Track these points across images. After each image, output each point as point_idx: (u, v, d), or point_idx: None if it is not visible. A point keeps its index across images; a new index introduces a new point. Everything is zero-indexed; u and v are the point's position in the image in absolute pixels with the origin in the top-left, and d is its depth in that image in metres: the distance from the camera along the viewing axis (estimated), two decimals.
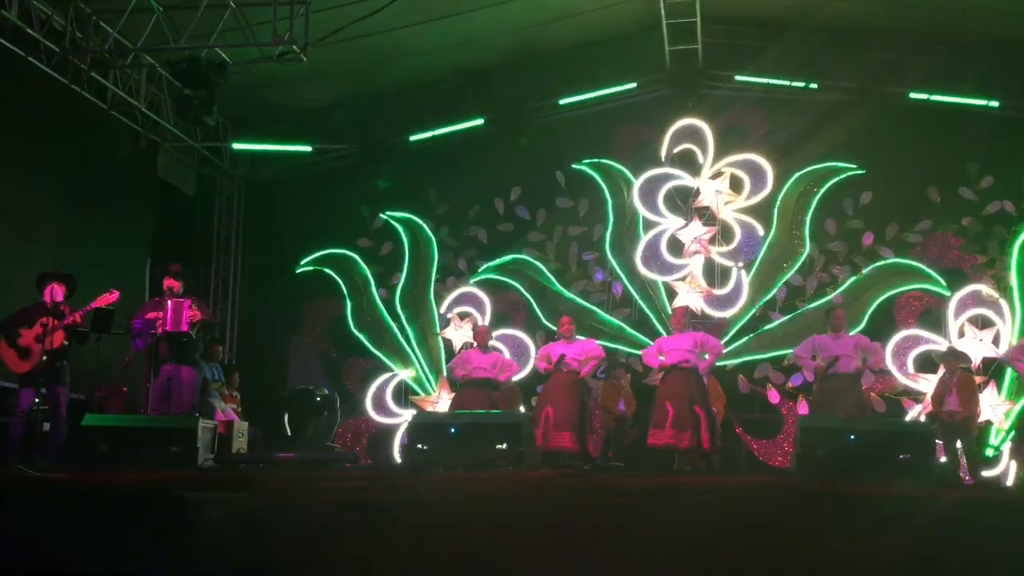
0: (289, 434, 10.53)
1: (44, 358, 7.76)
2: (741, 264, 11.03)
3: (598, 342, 10.18)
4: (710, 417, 8.92)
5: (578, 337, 9.80)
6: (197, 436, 7.63)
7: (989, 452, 9.81)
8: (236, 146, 12.29)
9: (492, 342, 10.25)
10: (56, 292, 7.97)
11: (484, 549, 5.07)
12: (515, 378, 10.17)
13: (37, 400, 7.74)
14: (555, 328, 10.79)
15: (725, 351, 10.24)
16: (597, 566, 5.02)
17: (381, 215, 12.01)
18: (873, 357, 8.96)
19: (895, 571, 4.93)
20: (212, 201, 12.72)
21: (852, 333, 9.36)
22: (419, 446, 7.89)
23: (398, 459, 10.78)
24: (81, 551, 4.86)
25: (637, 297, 11.37)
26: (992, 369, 10.01)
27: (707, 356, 9.12)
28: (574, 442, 9.10)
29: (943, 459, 8.47)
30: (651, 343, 10.62)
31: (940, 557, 5.01)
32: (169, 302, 8.36)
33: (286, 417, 10.68)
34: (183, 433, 7.68)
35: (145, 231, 11.50)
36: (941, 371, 9.08)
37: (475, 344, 10.03)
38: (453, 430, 7.95)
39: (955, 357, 9.02)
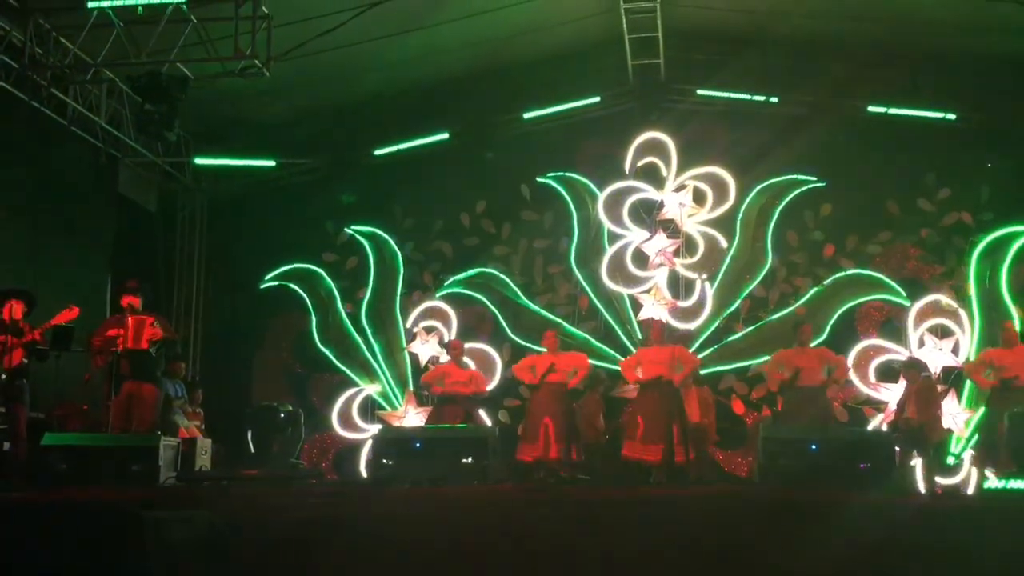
0: (253, 451, 10.43)
1: (3, 376, 7.66)
2: (705, 276, 11.11)
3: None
4: (684, 432, 8.87)
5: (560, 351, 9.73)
6: (159, 454, 7.61)
7: (950, 460, 9.92)
8: (198, 161, 12.22)
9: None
10: (15, 309, 7.87)
11: (448, 564, 5.06)
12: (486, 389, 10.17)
13: None
14: (521, 341, 10.96)
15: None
16: None
17: (346, 229, 11.97)
18: (838, 369, 9.12)
19: None
20: (174, 217, 12.62)
21: (814, 345, 9.47)
22: (384, 461, 7.88)
23: (364, 474, 10.72)
24: (40, 572, 4.79)
25: (603, 310, 11.41)
26: (952, 378, 10.14)
27: (683, 368, 9.09)
28: (561, 453, 9.00)
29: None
30: (617, 355, 10.70)
31: (901, 565, 5.07)
32: (130, 319, 8.28)
33: (250, 434, 10.58)
34: (145, 451, 7.64)
35: (106, 247, 11.38)
36: (902, 380, 9.21)
37: (450, 359, 9.97)
38: (418, 444, 7.94)
39: (915, 366, 9.15)
